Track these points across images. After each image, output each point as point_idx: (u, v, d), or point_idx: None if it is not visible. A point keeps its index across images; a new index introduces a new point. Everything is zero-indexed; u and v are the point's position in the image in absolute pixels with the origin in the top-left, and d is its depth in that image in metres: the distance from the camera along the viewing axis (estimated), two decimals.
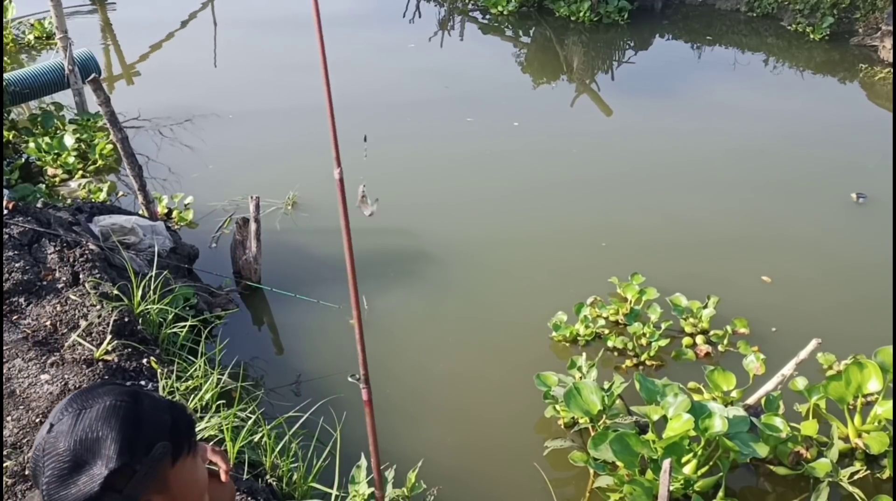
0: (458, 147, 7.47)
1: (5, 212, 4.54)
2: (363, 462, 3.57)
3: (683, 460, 3.61)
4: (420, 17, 11.70)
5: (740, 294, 5.26)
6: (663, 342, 4.70)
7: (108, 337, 3.72)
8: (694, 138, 7.77)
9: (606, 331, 4.86)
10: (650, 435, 3.72)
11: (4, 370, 3.51)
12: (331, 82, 2.55)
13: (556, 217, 6.25)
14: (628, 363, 4.67)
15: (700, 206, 6.46)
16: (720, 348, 4.79)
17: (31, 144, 6.65)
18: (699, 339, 4.84)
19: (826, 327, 4.87)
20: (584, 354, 4.38)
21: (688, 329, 4.93)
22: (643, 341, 4.76)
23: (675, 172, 7.00)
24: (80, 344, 3.70)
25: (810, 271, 5.63)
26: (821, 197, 6.60)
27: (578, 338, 4.81)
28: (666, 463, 3.00)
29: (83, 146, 6.82)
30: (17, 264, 4.15)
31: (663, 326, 4.83)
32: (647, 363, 4.67)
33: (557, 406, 4.10)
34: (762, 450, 3.54)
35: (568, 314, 4.87)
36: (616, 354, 4.75)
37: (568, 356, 4.67)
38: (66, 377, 3.50)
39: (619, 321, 4.98)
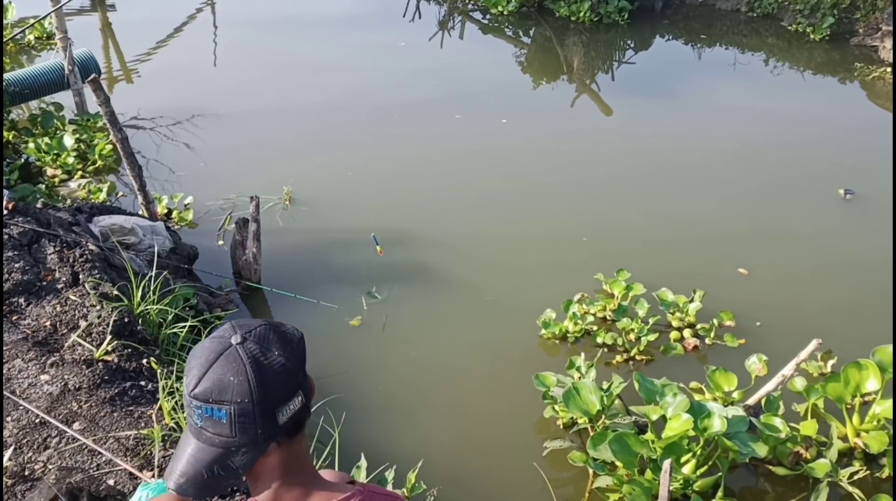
0: (453, 146, 7.48)
1: (5, 212, 4.54)
2: (363, 462, 3.57)
3: (682, 460, 3.61)
4: (420, 17, 11.71)
5: (725, 290, 5.30)
6: (652, 337, 4.75)
7: (108, 338, 3.72)
8: (692, 138, 7.78)
9: (595, 328, 4.90)
10: (649, 435, 3.72)
11: (4, 371, 3.51)
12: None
13: (549, 215, 6.28)
14: (618, 358, 4.70)
15: (692, 204, 6.49)
16: (707, 341, 4.84)
17: (31, 145, 6.66)
18: (686, 332, 4.90)
19: (809, 321, 5.01)
20: (582, 354, 4.39)
21: (675, 323, 4.98)
22: (632, 336, 4.79)
23: (671, 171, 7.01)
24: (79, 345, 3.70)
25: (794, 267, 5.68)
26: (812, 195, 6.63)
27: (568, 335, 4.84)
28: (666, 464, 3.00)
29: (83, 146, 6.82)
30: (17, 265, 4.16)
31: (651, 321, 4.87)
32: (637, 357, 4.70)
33: (556, 407, 4.11)
34: (761, 450, 3.54)
35: (556, 312, 4.91)
36: (606, 350, 4.78)
37: (558, 354, 4.73)
38: (65, 377, 3.50)
39: (607, 318, 5.02)
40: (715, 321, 4.90)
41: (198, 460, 1.31)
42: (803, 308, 5.22)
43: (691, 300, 5.01)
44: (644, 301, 4.96)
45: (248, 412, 1.27)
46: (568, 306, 4.89)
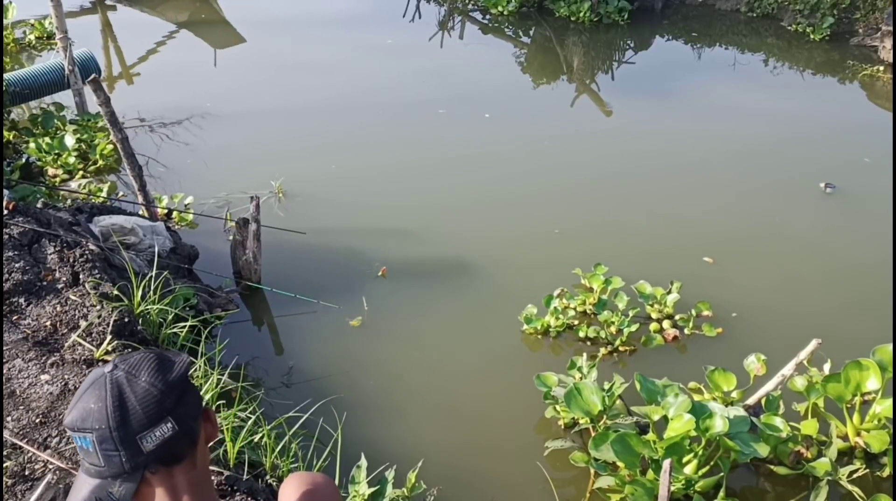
0: (450, 146, 7.48)
1: (5, 212, 4.54)
2: (363, 461, 3.57)
3: (684, 460, 3.60)
4: (420, 17, 11.71)
5: (703, 283, 5.36)
6: (634, 328, 4.79)
7: (108, 337, 3.72)
8: (691, 138, 7.79)
9: (576, 322, 4.93)
10: (651, 436, 3.72)
11: (4, 370, 3.51)
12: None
13: (542, 214, 6.30)
14: (603, 351, 4.72)
15: (682, 203, 6.49)
16: (686, 331, 4.91)
17: (32, 145, 6.66)
18: (666, 323, 4.96)
19: (785, 311, 5.13)
20: (584, 355, 4.39)
21: (654, 315, 5.03)
22: (613, 329, 4.84)
23: (667, 171, 7.00)
24: (80, 344, 3.70)
25: (770, 260, 5.73)
26: (800, 192, 6.66)
27: (550, 330, 4.88)
28: (666, 463, 2.99)
29: (84, 146, 6.82)
30: (17, 265, 4.15)
31: (631, 313, 4.94)
32: (621, 349, 4.75)
33: (558, 407, 4.10)
34: (763, 450, 3.53)
35: (538, 307, 4.94)
36: (589, 343, 4.81)
37: (540, 348, 4.79)
38: (66, 377, 3.50)
39: (588, 311, 5.06)
40: (693, 312, 4.98)
41: (80, 491, 1.31)
42: (779, 299, 5.29)
43: (669, 292, 5.08)
44: (623, 294, 5.03)
45: (107, 438, 1.27)
46: (549, 302, 4.94)
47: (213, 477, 3.12)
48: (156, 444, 1.30)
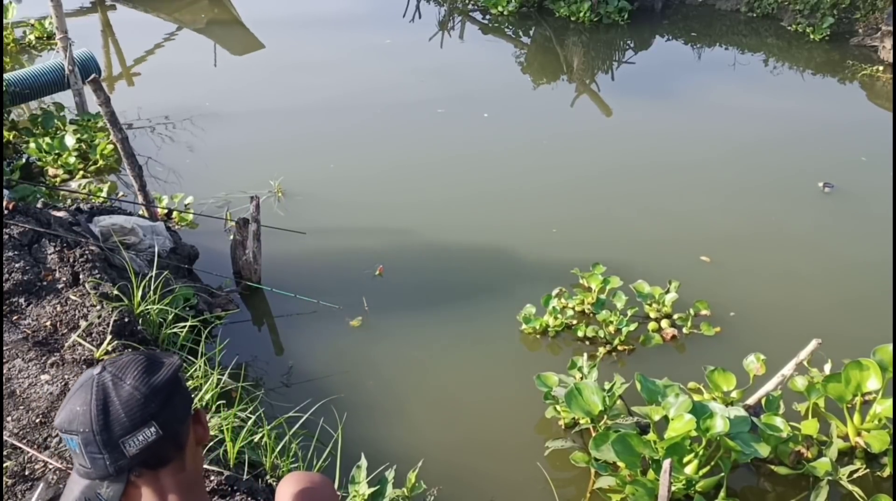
0: (450, 146, 7.48)
1: (5, 212, 4.53)
2: (363, 461, 3.57)
3: (685, 460, 3.60)
4: (420, 17, 11.71)
5: (699, 282, 5.37)
6: (632, 327, 4.81)
7: (108, 337, 3.72)
8: (691, 138, 7.78)
9: (575, 322, 4.94)
10: (651, 436, 3.71)
11: (4, 371, 3.51)
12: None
13: (540, 213, 6.31)
14: (602, 350, 4.72)
15: (680, 202, 6.49)
16: (684, 330, 4.92)
17: (32, 145, 6.65)
18: (664, 323, 4.97)
19: (781, 311, 5.15)
20: (585, 355, 4.39)
21: (652, 314, 5.04)
22: (611, 328, 4.85)
23: (665, 171, 6.99)
24: (80, 344, 3.70)
25: (767, 259, 5.74)
26: (798, 192, 6.66)
27: (548, 329, 4.89)
28: (666, 463, 2.99)
29: (84, 146, 6.81)
30: (17, 265, 4.15)
31: (629, 312, 4.95)
32: (620, 348, 4.76)
33: (558, 407, 4.10)
34: (764, 450, 3.53)
35: (536, 306, 4.94)
36: (587, 343, 4.82)
37: (538, 348, 4.81)
38: (66, 377, 3.50)
39: (586, 311, 5.07)
40: (691, 311, 4.99)
41: (72, 491, 1.33)
42: (777, 299, 5.30)
43: (667, 291, 5.09)
44: (622, 294, 5.03)
45: (91, 441, 1.28)
46: (547, 301, 4.95)
47: (213, 477, 3.12)
48: (139, 448, 1.30)
